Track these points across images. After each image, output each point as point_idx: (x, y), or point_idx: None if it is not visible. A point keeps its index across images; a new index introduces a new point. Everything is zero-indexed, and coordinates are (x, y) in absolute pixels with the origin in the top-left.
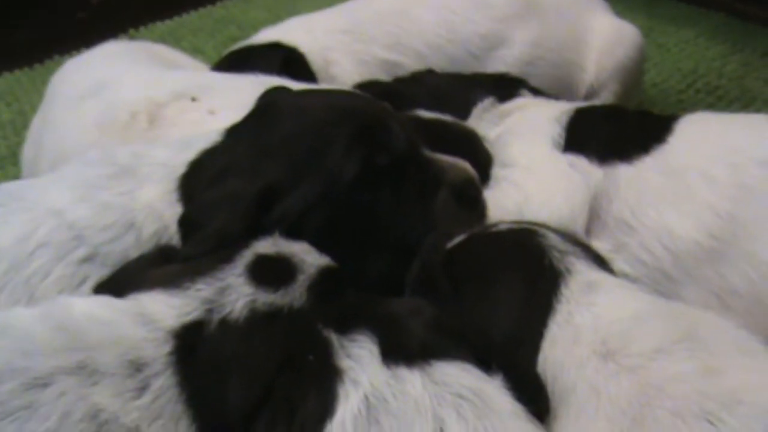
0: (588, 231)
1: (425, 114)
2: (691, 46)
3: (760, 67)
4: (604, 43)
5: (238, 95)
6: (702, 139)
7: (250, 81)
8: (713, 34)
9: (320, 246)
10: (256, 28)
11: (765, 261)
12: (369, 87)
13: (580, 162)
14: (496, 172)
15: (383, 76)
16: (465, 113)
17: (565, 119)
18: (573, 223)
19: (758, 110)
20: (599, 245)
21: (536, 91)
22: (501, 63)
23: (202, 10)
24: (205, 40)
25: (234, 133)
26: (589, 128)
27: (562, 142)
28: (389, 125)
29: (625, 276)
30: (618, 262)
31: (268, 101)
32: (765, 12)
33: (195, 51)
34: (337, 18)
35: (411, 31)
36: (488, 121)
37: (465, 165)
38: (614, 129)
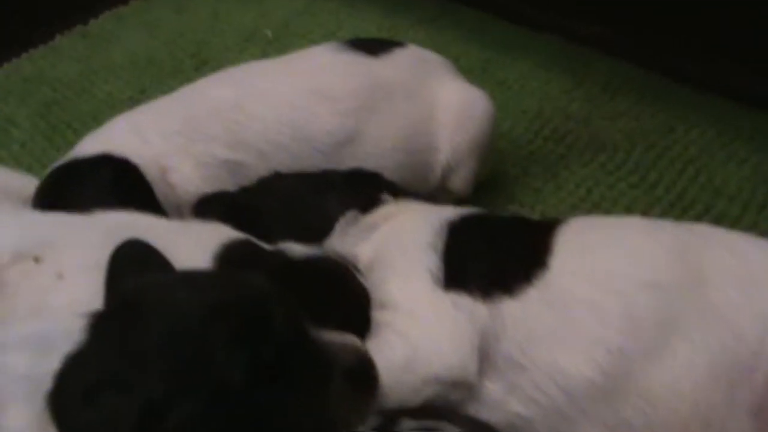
0: (479, 372)
1: (292, 249)
2: (531, 80)
3: (603, 104)
4: (455, 119)
5: (86, 253)
6: (584, 262)
7: (97, 231)
8: (552, 65)
9: None
10: (70, 87)
11: (657, 395)
12: (216, 201)
13: (463, 300)
14: (376, 315)
15: (226, 177)
16: (325, 225)
17: (440, 245)
18: (464, 372)
19: (610, 157)
20: (492, 387)
21: (393, 186)
22: (351, 159)
23: (7, 66)
24: (16, 106)
25: (99, 333)
26: (468, 256)
27: (441, 275)
28: (271, 313)
29: (519, 417)
30: (512, 404)
31: (131, 294)
32: (604, 33)
33: (8, 122)
34: (171, 117)
35: (251, 128)
36: (354, 236)
37: (354, 342)
38: (493, 254)
